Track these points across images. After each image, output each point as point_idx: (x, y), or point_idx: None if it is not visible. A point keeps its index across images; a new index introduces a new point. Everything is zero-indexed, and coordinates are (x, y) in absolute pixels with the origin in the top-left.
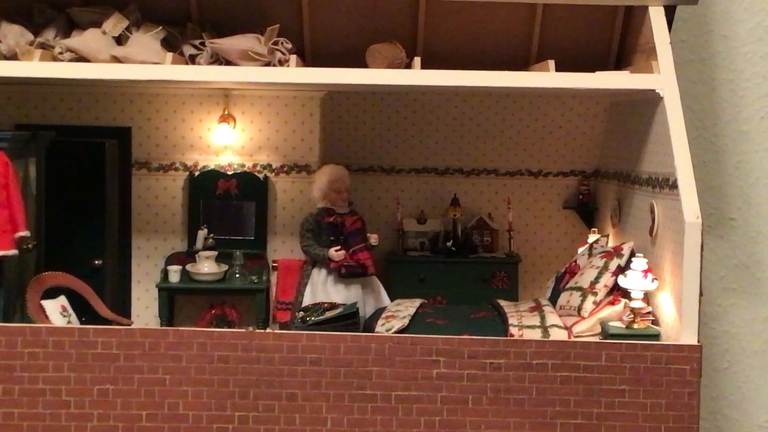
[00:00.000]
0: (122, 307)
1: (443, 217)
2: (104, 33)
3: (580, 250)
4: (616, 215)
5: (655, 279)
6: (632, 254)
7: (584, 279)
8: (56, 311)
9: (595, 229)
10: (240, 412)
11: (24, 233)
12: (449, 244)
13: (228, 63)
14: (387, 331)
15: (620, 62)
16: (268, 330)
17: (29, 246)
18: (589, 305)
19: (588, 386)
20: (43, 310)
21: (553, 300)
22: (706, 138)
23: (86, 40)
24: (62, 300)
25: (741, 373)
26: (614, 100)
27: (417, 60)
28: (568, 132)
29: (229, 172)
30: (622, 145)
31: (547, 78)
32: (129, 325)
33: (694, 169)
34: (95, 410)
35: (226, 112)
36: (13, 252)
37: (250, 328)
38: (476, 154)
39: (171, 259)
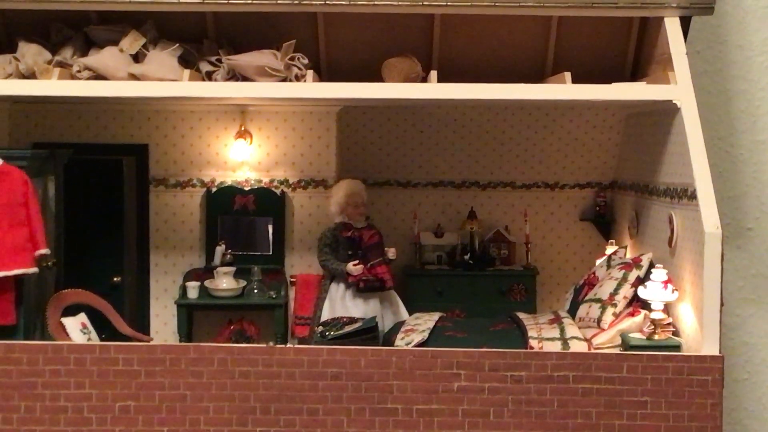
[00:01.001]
0: (141, 323)
1: (460, 231)
2: (121, 51)
3: (598, 261)
4: (633, 226)
5: (676, 290)
6: (651, 265)
7: (603, 290)
8: (76, 328)
9: (613, 241)
10: (261, 428)
11: (44, 251)
12: (467, 257)
13: (245, 79)
14: (407, 344)
15: (636, 73)
16: (288, 345)
17: (49, 264)
18: (608, 317)
19: (609, 398)
20: (63, 327)
21: (573, 312)
22: (722, 148)
23: (104, 58)
24: (82, 317)
25: (761, 383)
26: (630, 111)
27: (433, 73)
28: (584, 144)
29: (246, 188)
30: (638, 157)
31: (563, 90)
32: (149, 341)
33: (711, 180)
34: (117, 427)
35: (242, 128)
36: (34, 270)
37: (271, 343)
38: (492, 167)
39: (189, 275)
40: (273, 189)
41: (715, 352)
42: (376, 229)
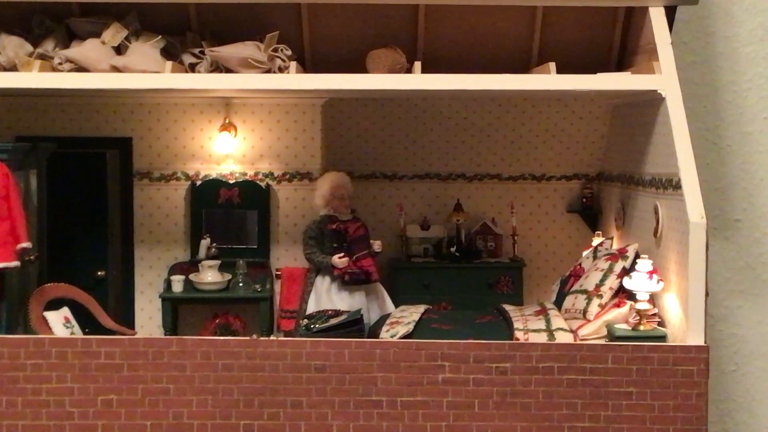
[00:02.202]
0: (126, 318)
1: (447, 223)
2: (103, 43)
3: (585, 253)
4: (620, 218)
5: (661, 280)
6: (637, 256)
7: (589, 282)
8: (59, 322)
9: (600, 232)
10: (245, 421)
11: (26, 245)
12: (453, 249)
13: (228, 71)
14: (392, 337)
15: (622, 64)
16: (272, 337)
17: (31, 258)
18: (594, 308)
19: (595, 389)
20: (45, 321)
21: (558, 303)
22: (709, 140)
23: (85, 50)
24: (65, 311)
25: (749, 375)
26: (616, 102)
27: (417, 64)
28: (570, 135)
29: (231, 181)
30: (625, 148)
31: (548, 80)
32: (133, 335)
33: (699, 171)
34: (99, 421)
35: (227, 121)
36: (15, 264)
37: (254, 336)
38: (479, 159)
39: (174, 269)
40: (258, 182)
41: (701, 342)
42: (362, 222)
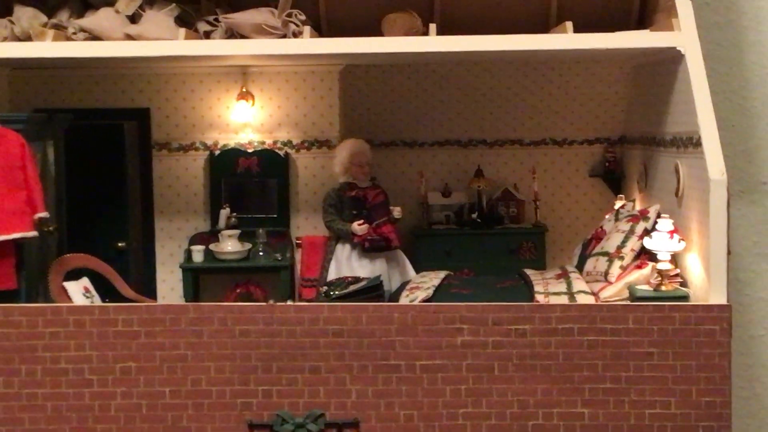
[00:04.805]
0: (148, 289)
1: (468, 190)
2: (117, 12)
3: (607, 216)
4: (642, 180)
5: (682, 240)
6: (658, 216)
7: (610, 244)
8: (78, 292)
9: (622, 195)
10: (263, 386)
11: (43, 214)
12: (474, 216)
13: (242, 38)
14: (411, 302)
15: (642, 23)
16: (288, 302)
17: (50, 228)
18: (616, 270)
19: (616, 350)
20: (65, 291)
21: (580, 266)
22: (734, 101)
23: (99, 19)
24: (85, 281)
25: None
26: (637, 63)
27: (432, 26)
28: (592, 99)
29: (250, 150)
30: (646, 109)
31: (564, 40)
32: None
33: (724, 134)
34: (118, 388)
35: (244, 90)
36: (33, 233)
37: (271, 301)
38: (499, 125)
39: (194, 239)
40: (276, 150)
41: (723, 301)
42: (381, 189)
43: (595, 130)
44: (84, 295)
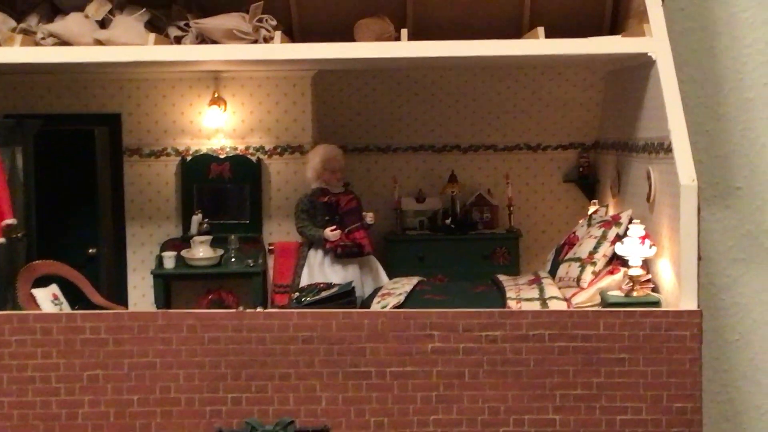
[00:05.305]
0: (119, 295)
1: (442, 195)
2: (87, 17)
3: (580, 222)
4: (615, 185)
5: (653, 245)
6: (630, 222)
7: (583, 249)
8: (47, 299)
9: (595, 201)
10: (233, 394)
11: (10, 221)
12: (448, 221)
13: (214, 43)
14: (382, 308)
15: (615, 29)
16: (258, 309)
17: (18, 235)
18: (588, 275)
19: (587, 356)
20: (33, 298)
21: (553, 272)
22: (709, 107)
23: (68, 24)
24: (54, 288)
25: (753, 344)
26: (610, 68)
27: (404, 32)
28: (565, 104)
29: (222, 156)
30: (619, 115)
31: (535, 45)
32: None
33: (698, 139)
34: (86, 396)
35: (216, 95)
36: (1, 240)
37: (240, 308)
38: (473, 130)
39: (166, 246)
40: (249, 156)
41: (693, 306)
42: (354, 194)
43: (568, 135)
44: (53, 302)
